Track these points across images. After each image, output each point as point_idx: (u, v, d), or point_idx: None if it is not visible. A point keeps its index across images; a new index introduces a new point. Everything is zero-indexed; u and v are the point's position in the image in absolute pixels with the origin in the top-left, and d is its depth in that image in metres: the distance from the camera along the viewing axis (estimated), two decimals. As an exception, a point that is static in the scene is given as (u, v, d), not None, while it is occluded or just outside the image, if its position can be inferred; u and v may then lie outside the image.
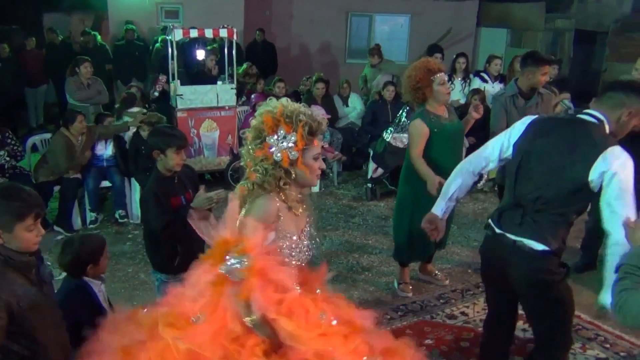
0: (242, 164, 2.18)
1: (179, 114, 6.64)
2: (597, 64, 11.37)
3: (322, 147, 6.90)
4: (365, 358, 2.06)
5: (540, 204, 2.59)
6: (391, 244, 5.30)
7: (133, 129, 5.85)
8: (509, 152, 2.75)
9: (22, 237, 2.17)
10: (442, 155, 3.98)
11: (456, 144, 4.11)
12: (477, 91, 6.99)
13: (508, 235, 2.68)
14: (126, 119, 6.05)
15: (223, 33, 6.72)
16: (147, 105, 7.43)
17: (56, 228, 5.35)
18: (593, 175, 2.46)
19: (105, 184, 5.82)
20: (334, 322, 2.05)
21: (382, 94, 7.31)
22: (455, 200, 3.01)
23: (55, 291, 2.69)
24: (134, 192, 5.73)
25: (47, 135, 6.14)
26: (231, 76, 7.16)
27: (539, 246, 2.59)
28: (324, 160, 7.11)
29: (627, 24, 10.19)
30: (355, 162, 7.80)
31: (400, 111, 6.33)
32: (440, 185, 3.68)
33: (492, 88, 7.15)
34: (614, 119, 2.56)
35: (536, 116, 2.87)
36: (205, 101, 6.75)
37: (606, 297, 2.36)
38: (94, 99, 7.01)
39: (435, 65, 3.98)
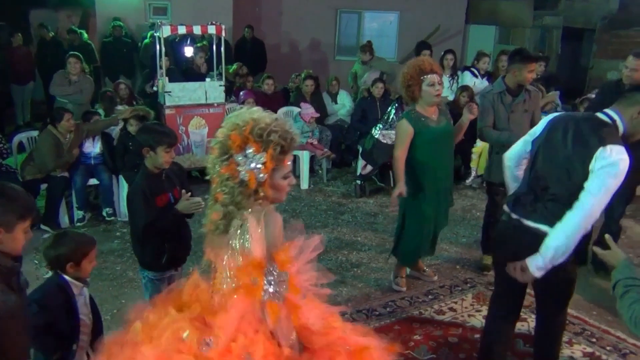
0: (207, 177, 2.03)
1: (167, 111, 6.61)
2: (584, 61, 11.43)
3: (312, 144, 7.00)
4: None
5: (549, 194, 2.73)
6: (380, 240, 5.35)
7: (121, 125, 5.81)
8: (529, 147, 2.97)
9: (19, 238, 2.15)
10: (428, 156, 4.01)
11: (443, 146, 4.08)
12: (465, 88, 7.03)
13: (522, 220, 2.81)
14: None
15: (211, 30, 6.70)
16: (135, 102, 7.40)
17: (43, 227, 5.30)
18: (592, 168, 2.57)
19: (93, 181, 5.78)
20: None
21: (371, 91, 7.32)
22: None
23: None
24: (122, 189, 5.70)
25: (34, 133, 6.09)
26: (220, 73, 7.14)
27: (541, 226, 2.73)
28: (313, 157, 7.13)
29: (614, 21, 10.25)
30: (344, 159, 7.82)
31: (389, 108, 6.36)
32: (400, 195, 4.01)
33: (481, 84, 7.21)
34: (627, 118, 2.67)
35: (558, 114, 3.03)
36: (193, 98, 6.71)
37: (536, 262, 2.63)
38: (71, 97, 6.82)
39: (428, 66, 3.96)
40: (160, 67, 6.74)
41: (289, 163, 1.99)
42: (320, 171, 7.39)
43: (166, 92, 6.59)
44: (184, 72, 7.79)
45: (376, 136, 6.28)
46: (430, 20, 11.09)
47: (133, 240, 3.44)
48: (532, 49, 9.64)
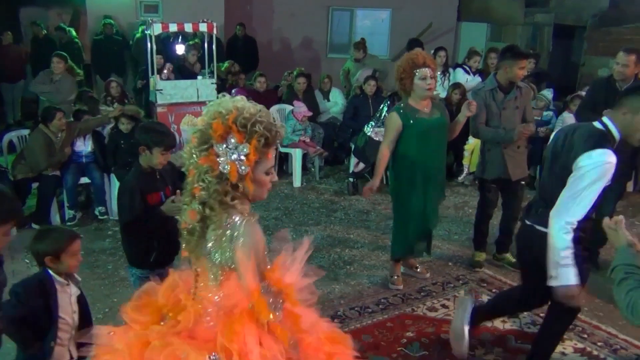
0: (182, 169, 1.91)
1: (158, 109, 6.59)
2: (575, 58, 11.48)
3: (304, 142, 6.99)
4: None
5: (553, 202, 2.82)
6: (373, 238, 5.35)
7: (112, 123, 5.79)
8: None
9: (4, 240, 2.14)
10: (418, 149, 4.01)
11: (435, 139, 4.08)
12: (457, 85, 7.05)
13: (535, 225, 2.99)
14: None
15: (203, 27, 6.68)
16: (127, 100, 7.37)
17: (34, 226, 5.27)
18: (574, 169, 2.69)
19: (85, 180, 5.76)
20: None
21: (363, 89, 7.32)
22: None
23: None
24: (113, 188, 5.67)
25: (25, 132, 6.05)
26: (211, 71, 7.12)
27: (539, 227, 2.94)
28: (305, 155, 7.12)
29: (604, 18, 10.30)
30: (337, 156, 7.81)
31: (381, 106, 6.36)
32: (371, 190, 4.09)
33: (473, 81, 7.26)
34: (618, 122, 2.74)
35: (570, 124, 3.24)
36: (185, 96, 6.70)
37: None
38: (48, 95, 6.74)
39: (421, 59, 3.97)
40: (151, 65, 6.72)
41: (272, 157, 1.90)
42: (312, 169, 7.39)
43: (157, 90, 6.56)
44: (177, 70, 7.76)
45: (368, 134, 6.28)
46: (422, 17, 11.10)
47: (122, 237, 3.44)
48: (523, 46, 9.65)
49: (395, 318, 3.99)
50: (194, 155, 1.81)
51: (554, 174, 2.91)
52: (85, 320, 2.83)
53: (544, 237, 2.83)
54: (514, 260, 4.82)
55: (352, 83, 8.19)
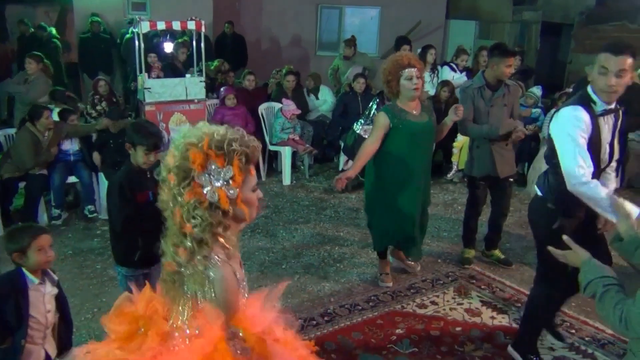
0: (166, 214, 1.78)
1: (147, 108, 6.55)
2: (563, 56, 11.57)
3: (293, 140, 6.99)
4: None
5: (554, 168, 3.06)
6: (363, 235, 5.35)
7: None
8: None
9: None
10: (404, 151, 4.00)
11: (421, 143, 4.06)
12: (446, 83, 7.08)
13: (541, 194, 3.22)
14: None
15: (191, 25, 6.65)
16: (115, 99, 7.32)
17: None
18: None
19: (73, 179, 5.72)
20: None
21: (353, 86, 7.33)
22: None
23: None
24: (102, 187, 5.64)
25: (11, 131, 5.99)
26: (200, 70, 7.09)
27: (538, 191, 3.22)
28: (294, 153, 7.12)
29: (591, 16, 10.38)
30: (326, 154, 7.82)
31: (371, 103, 6.36)
32: (343, 181, 3.98)
33: (459, 78, 7.29)
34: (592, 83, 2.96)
35: None
36: (173, 94, 6.66)
37: None
38: (17, 94, 6.63)
39: (406, 60, 3.95)
40: (140, 64, 6.68)
41: (255, 173, 1.81)
42: (302, 167, 7.38)
43: (146, 88, 6.52)
44: (166, 67, 7.72)
45: (358, 131, 6.27)
46: (411, 15, 11.13)
47: (110, 235, 3.43)
48: (511, 44, 9.73)
49: (385, 315, 4.01)
50: (177, 196, 1.70)
51: (550, 147, 3.07)
52: (64, 320, 2.81)
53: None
54: (502, 256, 4.87)
55: (341, 81, 8.19)
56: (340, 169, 6.79)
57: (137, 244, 3.15)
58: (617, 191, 3.31)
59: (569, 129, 2.86)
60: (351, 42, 8.40)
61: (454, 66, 7.60)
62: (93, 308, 4.02)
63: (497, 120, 4.40)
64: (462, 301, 4.22)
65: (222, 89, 7.36)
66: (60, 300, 2.82)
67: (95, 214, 5.64)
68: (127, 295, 2.01)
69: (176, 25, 6.62)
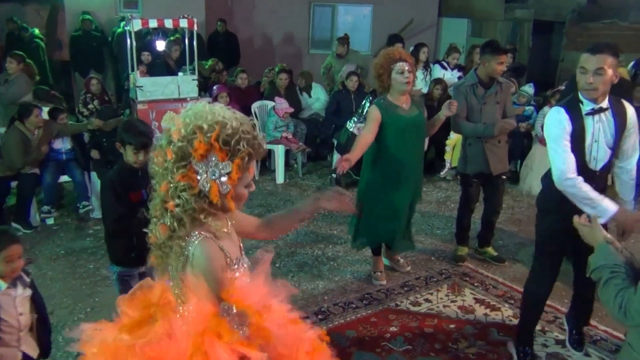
0: (153, 183, 1.76)
1: (139, 106, 6.53)
2: (555, 53, 11.61)
3: (286, 138, 6.98)
4: None
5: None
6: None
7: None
8: None
9: None
10: (395, 146, 4.02)
11: (412, 137, 4.07)
12: (439, 81, 7.10)
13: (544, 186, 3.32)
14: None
15: (183, 23, 6.63)
16: (107, 97, 7.29)
17: (14, 225, 5.20)
18: None
19: (65, 178, 5.68)
20: None
21: (346, 84, 7.32)
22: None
23: None
24: (95, 186, 5.61)
25: (1, 130, 5.96)
26: (193, 68, 7.07)
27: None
28: (288, 151, 7.11)
29: (582, 14, 10.42)
30: (319, 152, 7.81)
31: (364, 101, 6.37)
32: (346, 161, 3.81)
33: (451, 76, 7.30)
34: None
35: None
36: (166, 93, 6.64)
37: None
38: None
39: (397, 54, 3.99)
40: (132, 62, 6.65)
41: (254, 170, 1.79)
42: (295, 165, 7.38)
43: (138, 86, 6.50)
44: (158, 66, 7.70)
45: (351, 129, 6.29)
46: (404, 13, 11.14)
47: (105, 234, 3.41)
48: (503, 42, 9.74)
49: (379, 313, 4.01)
50: (170, 173, 1.68)
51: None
52: (40, 320, 2.79)
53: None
54: (495, 253, 4.88)
55: (335, 79, 8.18)
56: (333, 167, 6.79)
57: (133, 243, 3.14)
58: (610, 187, 3.33)
59: (551, 130, 3.04)
60: (344, 40, 8.40)
61: (445, 64, 7.61)
62: (86, 308, 4.00)
63: (490, 117, 4.41)
64: (455, 298, 4.23)
65: (214, 87, 7.34)
66: (36, 301, 2.78)
67: (89, 207, 5.54)
68: (147, 280, 2.01)
69: (168, 23, 6.60)
